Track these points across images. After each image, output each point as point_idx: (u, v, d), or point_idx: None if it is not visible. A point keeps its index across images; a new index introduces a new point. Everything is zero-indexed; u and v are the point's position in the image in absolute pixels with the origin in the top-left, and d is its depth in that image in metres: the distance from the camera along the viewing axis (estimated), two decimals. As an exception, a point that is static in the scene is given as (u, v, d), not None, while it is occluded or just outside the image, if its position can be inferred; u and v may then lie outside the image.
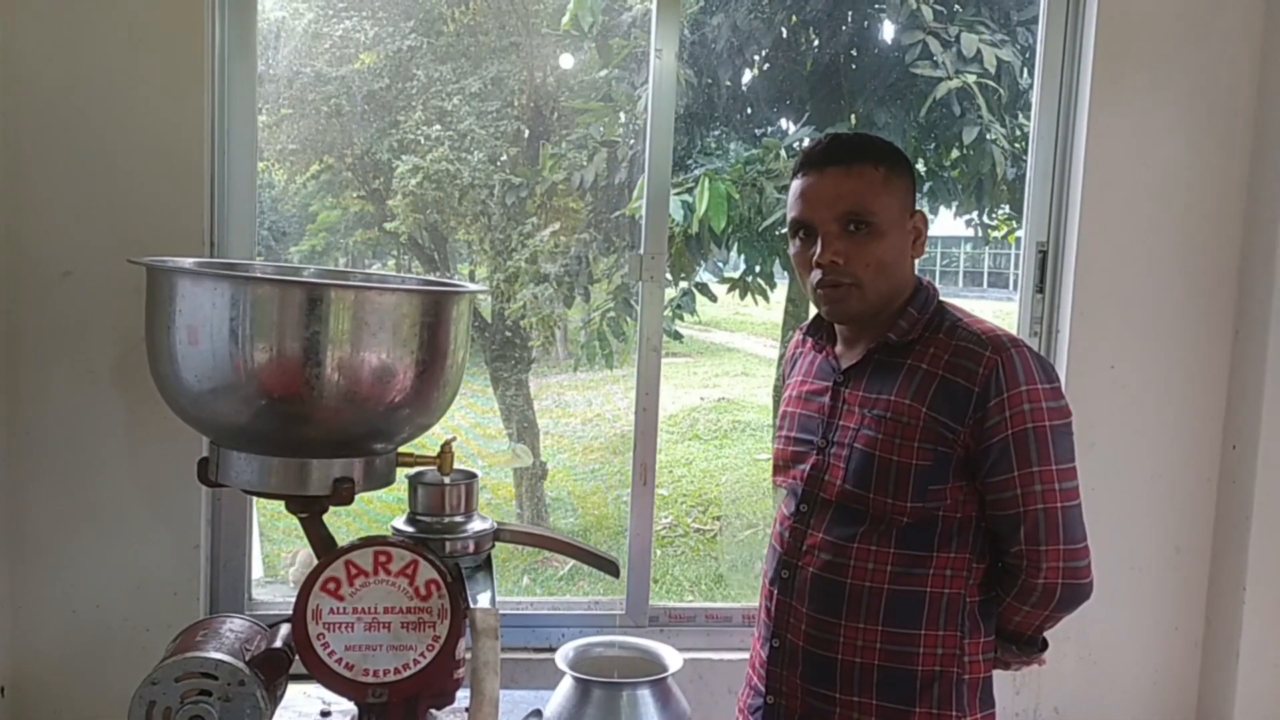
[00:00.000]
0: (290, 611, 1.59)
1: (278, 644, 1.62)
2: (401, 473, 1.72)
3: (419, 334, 1.58)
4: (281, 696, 1.70)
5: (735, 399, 8.22)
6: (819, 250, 1.61)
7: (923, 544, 1.60)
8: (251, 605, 2.50)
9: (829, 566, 1.64)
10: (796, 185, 1.65)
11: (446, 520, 1.68)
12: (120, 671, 1.93)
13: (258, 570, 2.69)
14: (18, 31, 2.22)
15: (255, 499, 2.32)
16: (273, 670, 1.59)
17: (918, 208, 1.68)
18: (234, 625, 1.70)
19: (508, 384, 5.42)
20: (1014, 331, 1.83)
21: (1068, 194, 2.61)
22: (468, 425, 5.46)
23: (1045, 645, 1.71)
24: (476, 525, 1.70)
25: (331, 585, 1.58)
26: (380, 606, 1.59)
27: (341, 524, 1.71)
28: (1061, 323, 2.61)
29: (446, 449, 1.68)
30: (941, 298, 1.70)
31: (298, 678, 1.68)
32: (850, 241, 1.60)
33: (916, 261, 1.70)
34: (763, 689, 1.72)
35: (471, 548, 1.67)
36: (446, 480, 1.69)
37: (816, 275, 1.62)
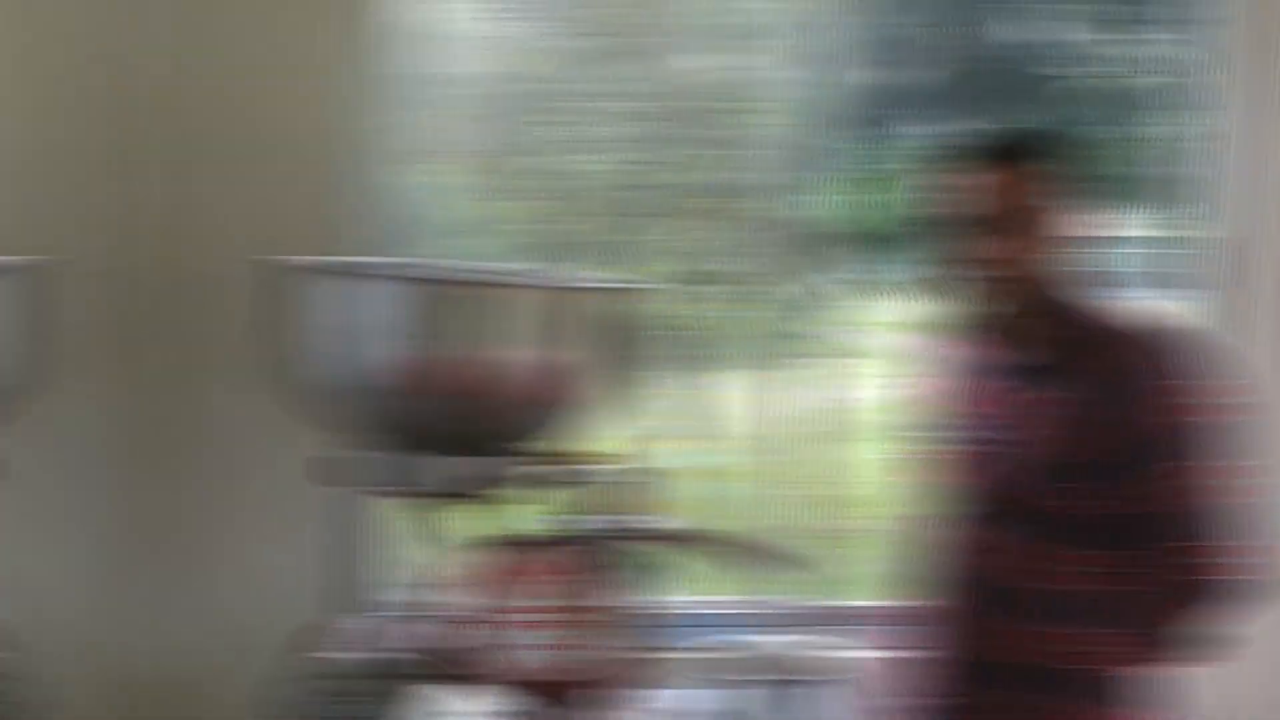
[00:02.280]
0: (439, 613, 1.61)
1: (424, 645, 1.63)
2: (575, 469, 1.73)
3: (595, 331, 1.59)
4: (435, 699, 1.69)
5: (869, 400, 8.07)
6: (982, 245, 1.58)
7: (1086, 542, 1.57)
8: (391, 607, 2.47)
9: (996, 570, 1.62)
10: (957, 179, 1.62)
11: (624, 519, 1.69)
12: (261, 673, 1.88)
13: (395, 573, 2.69)
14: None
15: (389, 499, 2.28)
16: (422, 673, 1.61)
17: (1079, 206, 1.63)
18: (376, 626, 1.71)
19: (681, 384, 5.44)
20: (1201, 329, 1.78)
21: (1263, 188, 2.54)
22: (643, 425, 5.50)
23: (1212, 644, 1.61)
24: (653, 523, 1.70)
25: (499, 583, 1.60)
26: (547, 605, 1.60)
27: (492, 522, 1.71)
28: (1259, 318, 2.53)
29: (621, 446, 1.69)
30: (1100, 295, 1.65)
31: (446, 680, 1.67)
32: (1012, 238, 1.57)
33: (1076, 260, 1.63)
34: (930, 695, 1.71)
35: (647, 545, 1.68)
36: (623, 478, 1.70)
37: (979, 271, 1.60)
